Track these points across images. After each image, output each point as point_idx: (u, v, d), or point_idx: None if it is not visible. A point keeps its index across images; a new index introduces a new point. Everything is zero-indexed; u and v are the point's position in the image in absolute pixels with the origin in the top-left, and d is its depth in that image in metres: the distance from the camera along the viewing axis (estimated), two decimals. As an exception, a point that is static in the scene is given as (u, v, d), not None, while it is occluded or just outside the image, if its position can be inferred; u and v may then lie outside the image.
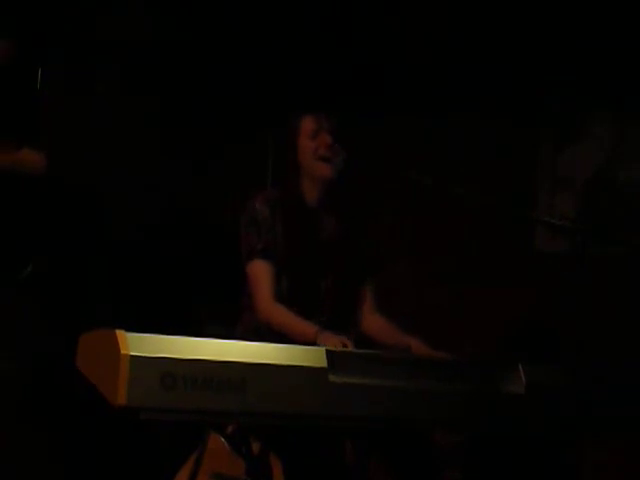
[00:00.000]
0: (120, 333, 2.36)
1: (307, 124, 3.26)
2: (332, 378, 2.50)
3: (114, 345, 2.34)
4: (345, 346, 2.85)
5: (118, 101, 5.28)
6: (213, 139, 5.85)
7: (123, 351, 2.32)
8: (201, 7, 5.13)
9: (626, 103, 5.13)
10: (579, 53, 4.96)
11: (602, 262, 3.88)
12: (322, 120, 3.26)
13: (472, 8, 4.98)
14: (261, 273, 3.15)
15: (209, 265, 5.25)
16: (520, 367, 2.73)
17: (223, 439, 2.80)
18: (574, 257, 3.08)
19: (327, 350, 2.55)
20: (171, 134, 5.66)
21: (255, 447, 2.79)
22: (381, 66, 5.38)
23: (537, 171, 5.40)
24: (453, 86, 5.28)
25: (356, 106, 3.55)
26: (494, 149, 5.39)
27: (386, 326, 3.28)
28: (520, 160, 5.38)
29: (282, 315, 3.11)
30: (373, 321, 3.31)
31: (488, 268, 5.31)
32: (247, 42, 5.30)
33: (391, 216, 4.85)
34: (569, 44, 4.92)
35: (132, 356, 2.32)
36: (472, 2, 5.00)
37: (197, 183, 5.68)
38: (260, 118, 5.53)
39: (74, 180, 4.74)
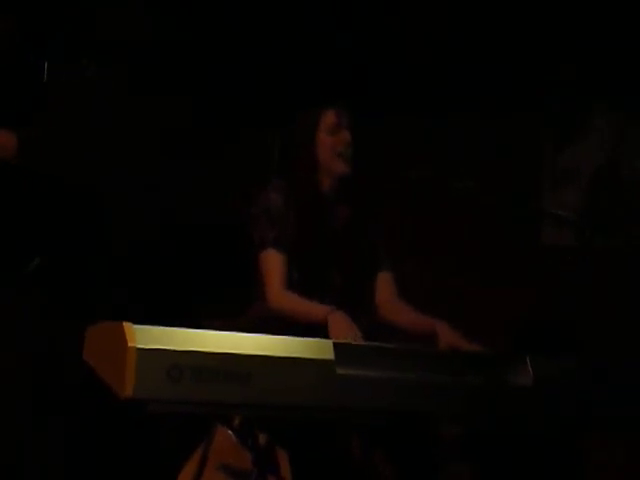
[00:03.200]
0: (127, 325, 2.36)
1: (328, 118, 3.27)
2: (339, 370, 2.50)
3: (121, 337, 2.34)
4: (354, 334, 2.85)
5: (118, 100, 5.28)
6: (214, 138, 5.86)
7: (130, 343, 2.32)
8: (202, 6, 5.14)
9: (628, 100, 5.14)
10: (581, 51, 4.97)
11: (608, 256, 3.91)
12: (342, 115, 3.27)
13: (472, 8, 4.98)
14: (273, 262, 3.16)
15: (211, 263, 5.25)
16: (528, 360, 2.73)
17: (230, 431, 2.81)
18: (580, 252, 3.09)
19: (334, 343, 2.55)
20: (172, 133, 5.67)
21: (262, 439, 2.79)
22: (381, 66, 5.38)
23: (540, 170, 5.41)
24: (455, 85, 5.29)
25: (356, 106, 3.55)
26: (496, 149, 5.40)
27: (411, 312, 3.27)
28: (523, 159, 5.38)
29: (293, 301, 3.12)
30: (397, 308, 3.30)
31: (494, 264, 5.31)
32: (247, 41, 5.30)
33: (394, 215, 4.85)
34: (570, 42, 4.93)
35: (139, 348, 2.32)
36: (472, 2, 5.00)
37: (198, 182, 5.69)
38: (260, 118, 5.54)
39: (74, 179, 4.74)
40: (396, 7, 5.14)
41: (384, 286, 3.34)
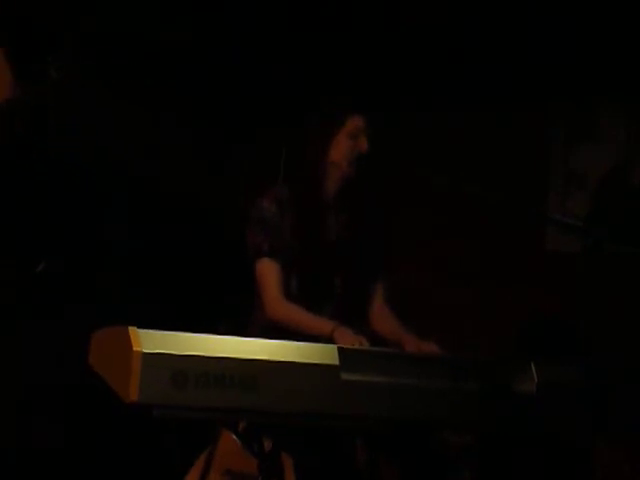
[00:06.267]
0: (132, 330, 2.36)
1: (352, 123, 3.25)
2: (344, 376, 2.51)
3: (126, 342, 2.35)
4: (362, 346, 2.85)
5: (130, 100, 5.29)
6: (227, 138, 5.88)
7: (135, 348, 2.33)
8: (212, 6, 5.14)
9: (637, 102, 5.13)
10: (591, 50, 4.95)
11: (616, 261, 3.90)
12: (366, 122, 3.26)
13: (484, 9, 4.96)
14: (268, 272, 3.16)
15: (220, 264, 5.26)
16: (532, 366, 2.73)
17: (235, 437, 2.81)
18: (586, 257, 3.09)
19: (339, 348, 2.55)
20: (185, 133, 5.68)
21: (266, 445, 2.79)
22: (381, 67, 5.38)
23: (549, 171, 5.40)
24: (463, 86, 5.28)
25: (370, 105, 3.57)
26: (505, 149, 5.39)
27: (396, 328, 3.26)
28: (532, 160, 5.38)
29: (294, 312, 3.12)
30: (383, 321, 3.30)
31: (498, 268, 5.31)
32: (258, 41, 5.30)
33: (402, 216, 4.85)
34: (582, 40, 4.91)
35: (144, 353, 2.33)
36: (483, 3, 4.98)
37: (210, 182, 5.70)
38: (273, 116, 5.54)
39: (83, 178, 4.75)
40: (405, 6, 5.11)
41: (376, 297, 3.35)
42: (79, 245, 4.48)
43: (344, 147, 3.24)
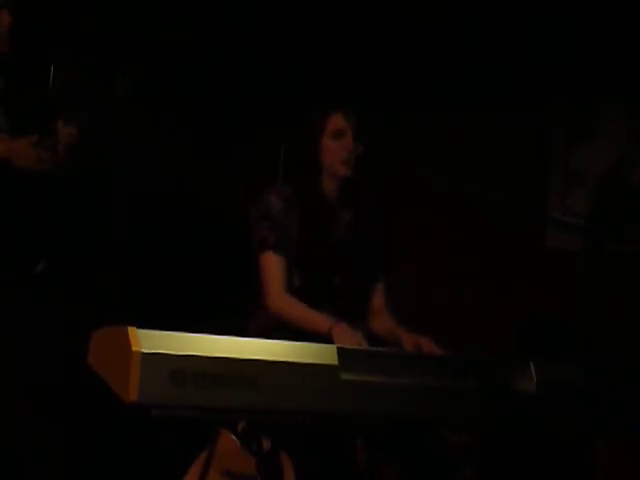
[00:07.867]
0: (132, 330, 2.36)
1: (333, 123, 3.24)
2: (343, 376, 2.50)
3: (125, 342, 2.34)
4: (359, 344, 2.85)
5: (131, 100, 5.29)
6: (226, 137, 5.88)
7: (134, 348, 2.32)
8: (212, 6, 5.14)
9: (637, 101, 5.13)
10: (591, 50, 4.95)
11: (616, 260, 3.92)
12: (347, 119, 3.23)
13: (484, 9, 4.96)
14: (273, 265, 3.16)
15: (220, 264, 5.26)
16: (531, 365, 2.73)
17: (234, 436, 2.80)
18: (586, 255, 3.09)
19: (338, 348, 2.55)
20: (185, 133, 5.68)
21: (266, 444, 2.79)
22: (394, 66, 5.38)
23: (549, 170, 5.40)
24: (463, 86, 5.29)
25: (370, 105, 3.57)
26: (505, 149, 5.39)
27: (394, 326, 3.26)
28: (532, 159, 5.38)
29: (294, 306, 3.12)
30: (382, 321, 3.30)
31: (498, 268, 5.31)
32: (258, 41, 5.31)
33: (402, 216, 4.86)
34: (582, 40, 4.91)
35: (143, 353, 2.32)
36: (483, 2, 4.98)
37: (210, 182, 5.70)
38: (268, 118, 5.55)
39: (83, 178, 4.75)
40: (405, 6, 5.11)
41: (375, 296, 3.34)
42: (79, 245, 4.47)
43: (331, 149, 3.23)
